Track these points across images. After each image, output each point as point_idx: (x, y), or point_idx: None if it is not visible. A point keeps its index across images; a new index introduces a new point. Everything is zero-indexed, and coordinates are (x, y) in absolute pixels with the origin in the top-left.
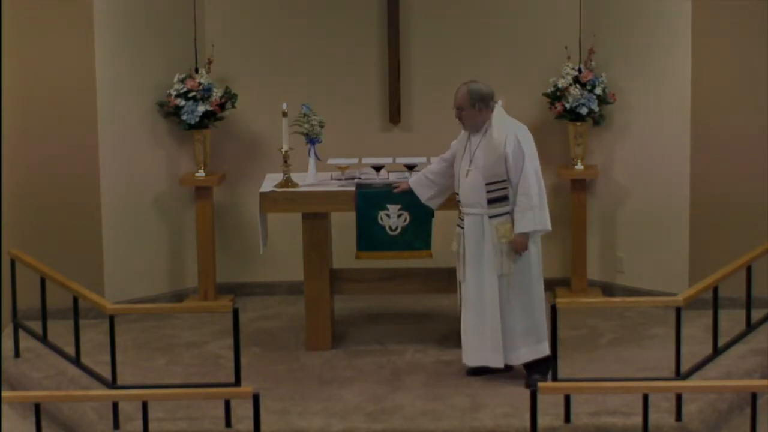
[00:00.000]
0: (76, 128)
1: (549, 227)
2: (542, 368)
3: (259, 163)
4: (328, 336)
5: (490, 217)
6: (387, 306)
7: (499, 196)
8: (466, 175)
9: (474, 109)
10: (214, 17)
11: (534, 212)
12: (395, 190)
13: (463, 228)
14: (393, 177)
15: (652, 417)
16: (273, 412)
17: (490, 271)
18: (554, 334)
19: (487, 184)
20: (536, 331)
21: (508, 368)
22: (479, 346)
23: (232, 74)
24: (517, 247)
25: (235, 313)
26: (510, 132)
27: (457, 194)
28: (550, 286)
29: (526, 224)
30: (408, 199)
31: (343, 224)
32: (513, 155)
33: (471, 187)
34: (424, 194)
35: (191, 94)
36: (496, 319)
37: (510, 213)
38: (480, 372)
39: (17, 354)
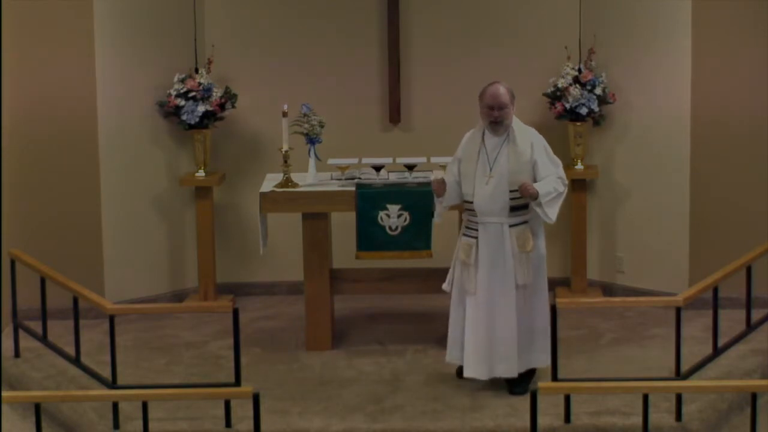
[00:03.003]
0: (75, 128)
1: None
2: (528, 382)
3: (259, 163)
4: (328, 336)
5: (510, 226)
6: (387, 306)
7: (522, 203)
8: (486, 182)
9: (512, 107)
10: (214, 17)
11: (562, 197)
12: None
13: (475, 237)
14: (393, 177)
15: (652, 417)
16: (273, 412)
17: (509, 280)
18: (554, 334)
19: (511, 191)
20: (544, 340)
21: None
22: (489, 357)
23: (232, 74)
24: (528, 187)
25: (235, 313)
26: (533, 138)
27: (470, 202)
28: (550, 286)
29: (550, 193)
30: (408, 199)
31: (343, 224)
32: (542, 163)
33: (492, 195)
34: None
35: (191, 94)
36: (511, 329)
37: (528, 221)
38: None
39: (17, 354)
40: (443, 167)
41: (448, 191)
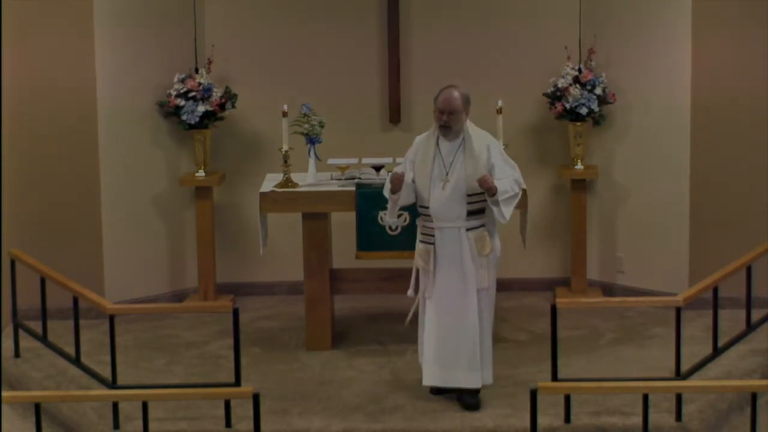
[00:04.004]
0: (76, 128)
1: (507, 219)
2: (478, 393)
3: (259, 163)
4: (328, 336)
5: (468, 230)
6: (387, 306)
7: (479, 208)
8: (443, 187)
9: (464, 113)
10: (214, 17)
11: (517, 198)
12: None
13: (432, 243)
14: None
15: (652, 417)
16: (273, 412)
17: (470, 285)
18: (554, 334)
19: (468, 196)
20: (488, 351)
21: (438, 391)
22: (453, 365)
23: (232, 74)
24: (488, 179)
25: (235, 313)
26: (489, 143)
27: (426, 207)
28: (550, 286)
29: (507, 192)
30: None
31: (343, 224)
32: (499, 167)
33: (449, 200)
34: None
35: (191, 94)
36: (474, 336)
37: (485, 225)
38: (443, 391)
39: (17, 354)
40: None
41: (404, 189)
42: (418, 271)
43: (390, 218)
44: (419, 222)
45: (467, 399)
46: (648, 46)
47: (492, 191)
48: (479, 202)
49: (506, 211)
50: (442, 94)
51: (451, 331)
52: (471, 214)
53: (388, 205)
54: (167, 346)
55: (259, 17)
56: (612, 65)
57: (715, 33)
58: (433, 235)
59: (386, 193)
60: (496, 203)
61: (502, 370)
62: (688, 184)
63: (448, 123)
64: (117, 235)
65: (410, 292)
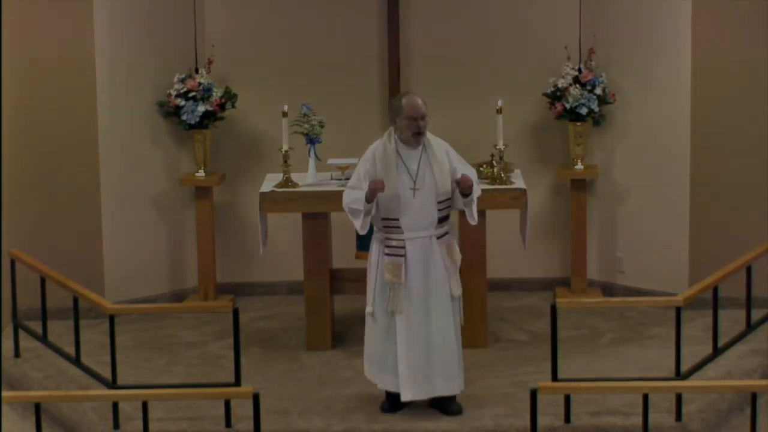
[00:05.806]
0: (76, 128)
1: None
2: (455, 398)
3: (259, 163)
4: (328, 336)
5: (438, 238)
6: None
7: (447, 214)
8: (413, 196)
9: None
10: (214, 17)
11: (477, 200)
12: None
13: (402, 255)
14: None
15: (652, 417)
16: (273, 412)
17: (443, 294)
18: (554, 334)
19: (438, 202)
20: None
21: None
22: (429, 376)
23: (232, 74)
24: (468, 178)
25: (235, 313)
26: (447, 148)
27: (395, 219)
28: (550, 286)
29: (477, 193)
30: None
31: (343, 224)
32: (461, 169)
33: (422, 208)
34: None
35: (191, 94)
36: (451, 344)
37: (448, 233)
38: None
39: (17, 354)
40: None
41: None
42: (375, 284)
43: (363, 230)
44: (380, 236)
45: (449, 407)
46: (648, 46)
47: (470, 190)
48: (447, 208)
49: (475, 212)
50: (409, 102)
51: (426, 343)
52: (441, 221)
53: (362, 217)
54: (167, 346)
55: (260, 17)
56: (612, 65)
57: (715, 33)
58: (403, 247)
59: (360, 205)
60: (470, 204)
61: (502, 370)
62: (688, 184)
63: (424, 128)
64: (117, 235)
65: (369, 308)
